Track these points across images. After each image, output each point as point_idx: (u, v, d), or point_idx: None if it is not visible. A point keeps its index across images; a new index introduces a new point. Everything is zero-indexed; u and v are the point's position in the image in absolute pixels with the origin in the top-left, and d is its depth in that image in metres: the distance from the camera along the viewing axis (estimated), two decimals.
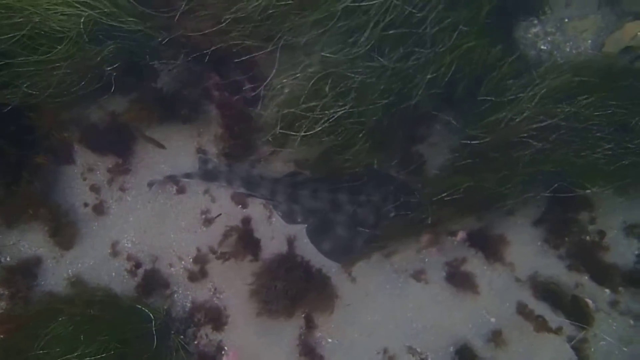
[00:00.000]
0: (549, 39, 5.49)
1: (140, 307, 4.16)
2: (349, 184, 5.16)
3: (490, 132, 4.60)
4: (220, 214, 4.97)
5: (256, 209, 5.13)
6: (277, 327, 4.59)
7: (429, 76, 4.49)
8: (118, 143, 5.11)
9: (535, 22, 5.53)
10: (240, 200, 5.14)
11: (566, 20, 5.47)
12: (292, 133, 4.53)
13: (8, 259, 4.59)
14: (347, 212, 5.10)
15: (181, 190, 5.07)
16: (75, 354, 3.67)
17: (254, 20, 4.55)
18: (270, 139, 4.76)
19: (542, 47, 5.42)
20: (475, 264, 5.06)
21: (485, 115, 4.69)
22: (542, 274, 4.98)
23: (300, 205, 5.13)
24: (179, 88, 5.21)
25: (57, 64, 4.20)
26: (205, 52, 4.75)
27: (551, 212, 5.16)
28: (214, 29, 4.58)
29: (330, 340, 4.61)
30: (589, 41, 5.41)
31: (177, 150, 5.23)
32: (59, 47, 4.13)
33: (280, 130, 4.56)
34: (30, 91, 4.27)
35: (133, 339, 3.90)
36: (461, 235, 5.28)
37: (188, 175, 5.08)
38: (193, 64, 5.20)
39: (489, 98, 4.68)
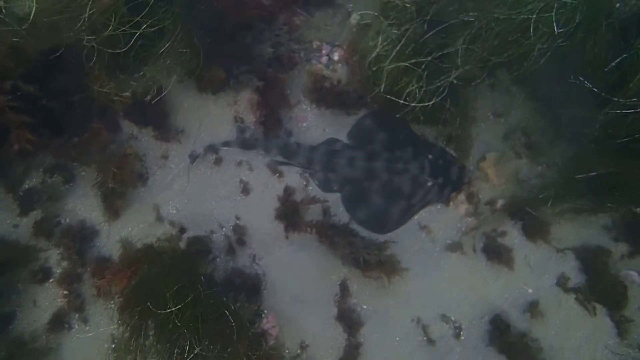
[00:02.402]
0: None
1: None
2: (386, 151, 5.11)
3: None
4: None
5: (292, 177, 5.20)
6: (314, 293, 4.76)
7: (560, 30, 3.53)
8: (159, 112, 5.26)
9: None
10: (276, 169, 5.22)
11: None
12: (399, 100, 4.29)
13: (67, 220, 4.94)
14: (383, 180, 5.07)
15: (220, 160, 5.19)
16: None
17: None
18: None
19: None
20: (515, 235, 4.97)
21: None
22: (586, 246, 4.82)
23: (336, 174, 5.15)
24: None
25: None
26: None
27: (596, 178, 4.91)
28: None
29: (365, 307, 4.74)
30: None
31: (215, 118, 5.32)
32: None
33: (386, 94, 4.33)
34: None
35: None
36: (500, 203, 5.17)
37: (226, 144, 5.18)
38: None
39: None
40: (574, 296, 4.64)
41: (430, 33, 4.19)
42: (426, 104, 4.35)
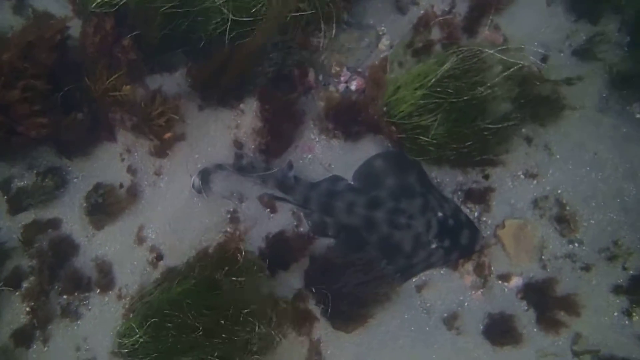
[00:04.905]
0: None
1: None
2: (391, 201, 4.53)
3: None
4: None
5: (284, 215, 4.76)
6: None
7: None
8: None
9: None
10: (269, 204, 4.80)
11: None
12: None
13: (50, 231, 4.83)
14: (382, 234, 4.51)
15: (209, 187, 4.84)
16: None
17: None
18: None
19: None
20: (525, 322, 4.24)
21: None
22: (612, 355, 4.01)
23: (333, 218, 4.64)
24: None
25: None
26: None
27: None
28: None
29: None
30: None
31: (213, 140, 4.97)
32: None
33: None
34: None
35: None
36: (515, 282, 4.44)
37: (220, 167, 4.83)
38: None
39: None
40: None
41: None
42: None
